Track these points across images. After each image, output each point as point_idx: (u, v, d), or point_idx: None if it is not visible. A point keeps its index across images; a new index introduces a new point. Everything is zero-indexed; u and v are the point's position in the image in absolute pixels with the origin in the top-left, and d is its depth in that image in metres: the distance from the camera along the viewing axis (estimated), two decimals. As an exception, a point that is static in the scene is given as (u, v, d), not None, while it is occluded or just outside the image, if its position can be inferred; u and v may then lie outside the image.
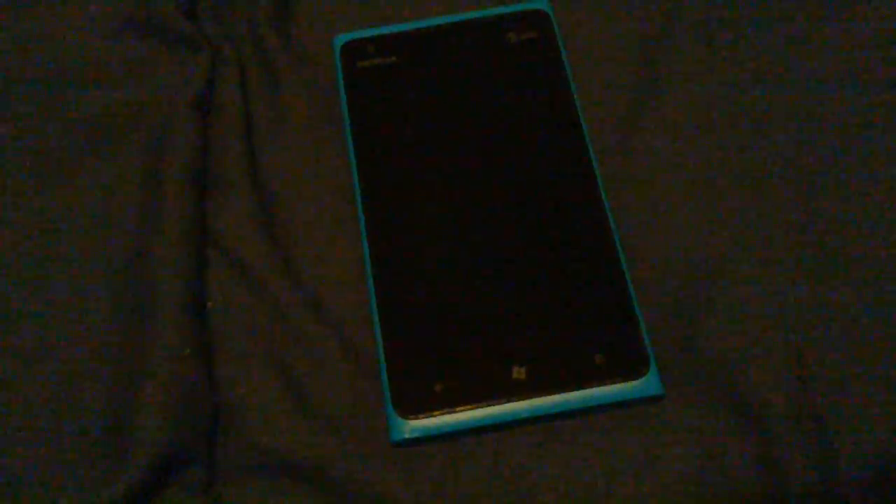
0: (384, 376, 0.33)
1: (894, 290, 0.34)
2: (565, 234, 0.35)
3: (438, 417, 0.32)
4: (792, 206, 0.35)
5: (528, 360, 0.33)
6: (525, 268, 0.34)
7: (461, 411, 0.32)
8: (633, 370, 0.32)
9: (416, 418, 0.32)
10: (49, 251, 0.35)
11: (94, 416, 0.32)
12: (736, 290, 0.34)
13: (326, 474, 0.32)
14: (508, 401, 0.32)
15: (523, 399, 0.32)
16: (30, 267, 0.35)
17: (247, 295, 0.35)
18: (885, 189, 0.35)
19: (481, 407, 0.32)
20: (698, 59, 0.38)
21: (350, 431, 0.33)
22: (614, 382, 0.32)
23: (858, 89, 0.37)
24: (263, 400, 0.33)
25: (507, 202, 0.36)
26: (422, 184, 0.36)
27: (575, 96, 0.38)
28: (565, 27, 0.40)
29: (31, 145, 0.37)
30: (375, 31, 0.40)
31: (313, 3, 0.41)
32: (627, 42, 0.39)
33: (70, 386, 0.32)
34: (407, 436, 0.32)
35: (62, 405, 0.32)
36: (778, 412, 0.32)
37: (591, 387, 0.32)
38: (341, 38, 0.40)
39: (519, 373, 0.32)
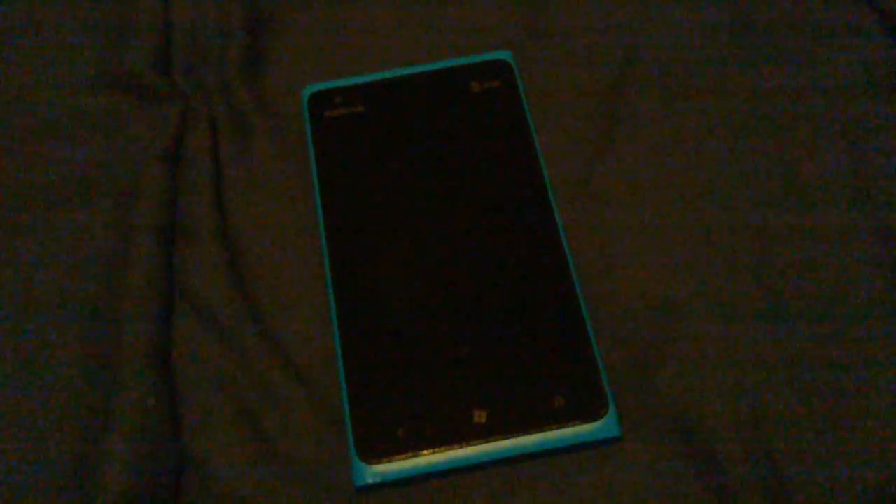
0: (348, 422, 0.33)
1: (846, 333, 0.34)
2: (526, 277, 0.36)
3: (401, 462, 0.32)
4: (747, 251, 0.36)
5: (488, 404, 0.33)
6: (487, 312, 0.35)
7: (423, 455, 0.32)
8: (592, 412, 0.33)
9: (379, 463, 0.32)
10: (20, 301, 0.36)
11: (60, 464, 0.32)
12: (693, 333, 0.35)
13: (291, 522, 0.32)
14: (470, 444, 0.32)
15: (484, 442, 0.32)
16: (1, 317, 0.35)
17: (213, 345, 0.35)
18: (837, 236, 0.36)
19: (443, 451, 0.32)
20: (654, 107, 0.40)
21: (316, 479, 0.33)
22: (574, 425, 0.33)
23: (815, 139, 0.38)
24: (229, 449, 0.33)
25: (470, 248, 0.36)
26: (387, 231, 0.37)
27: (536, 142, 0.39)
28: (527, 76, 0.41)
29: (3, 195, 0.38)
30: (343, 82, 0.41)
31: (282, 55, 0.42)
32: (586, 90, 0.40)
33: (36, 435, 0.33)
34: (370, 481, 0.32)
35: (28, 454, 0.32)
36: (733, 454, 0.32)
37: (551, 429, 0.33)
38: (309, 89, 0.41)
39: (480, 416, 0.33)
